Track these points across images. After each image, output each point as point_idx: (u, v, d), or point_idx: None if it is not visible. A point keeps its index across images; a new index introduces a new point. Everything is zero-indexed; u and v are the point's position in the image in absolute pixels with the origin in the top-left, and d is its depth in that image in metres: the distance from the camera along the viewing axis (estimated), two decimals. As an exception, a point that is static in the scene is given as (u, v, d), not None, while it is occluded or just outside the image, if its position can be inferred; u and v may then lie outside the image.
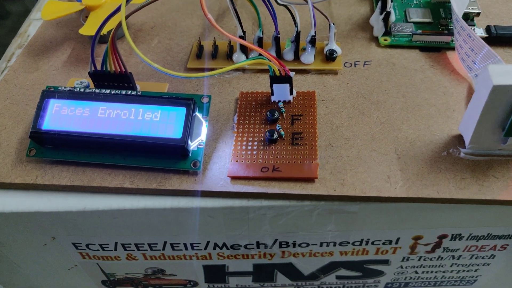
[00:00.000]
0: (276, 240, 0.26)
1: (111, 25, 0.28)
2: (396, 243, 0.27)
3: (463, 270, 0.30)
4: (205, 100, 0.25)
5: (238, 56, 0.29)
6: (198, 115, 0.24)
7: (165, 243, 0.26)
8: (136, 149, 0.24)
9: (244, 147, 0.25)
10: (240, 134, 0.25)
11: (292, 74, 0.25)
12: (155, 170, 0.24)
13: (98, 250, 0.27)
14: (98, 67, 0.26)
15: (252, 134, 0.25)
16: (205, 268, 0.29)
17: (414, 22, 0.31)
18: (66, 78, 0.29)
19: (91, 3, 0.30)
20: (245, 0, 0.28)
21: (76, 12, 0.32)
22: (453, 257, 0.29)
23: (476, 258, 0.29)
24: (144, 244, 0.27)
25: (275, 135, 0.24)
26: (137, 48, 0.23)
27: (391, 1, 0.30)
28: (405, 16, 0.32)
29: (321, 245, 0.27)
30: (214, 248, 0.27)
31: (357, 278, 0.31)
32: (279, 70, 0.25)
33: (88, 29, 0.29)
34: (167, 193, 0.23)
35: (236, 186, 0.23)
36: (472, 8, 0.31)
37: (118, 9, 0.25)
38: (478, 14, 0.31)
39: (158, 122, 0.24)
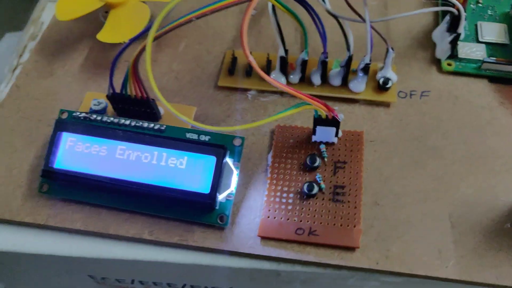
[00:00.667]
0: (304, 292, 0.24)
1: (130, 32, 0.25)
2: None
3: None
4: (237, 142, 0.22)
5: (276, 75, 0.25)
6: (229, 161, 0.21)
7: (184, 285, 0.25)
8: (157, 198, 0.21)
9: (278, 199, 0.22)
10: (274, 182, 0.22)
11: (341, 118, 0.22)
12: (177, 220, 0.22)
13: (114, 282, 0.26)
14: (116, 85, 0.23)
15: (288, 183, 0.22)
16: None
17: (486, 43, 0.27)
18: (83, 89, 0.26)
19: (113, 0, 0.26)
20: (288, 15, 0.24)
21: (94, 6, 0.28)
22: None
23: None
24: (162, 283, 0.25)
25: (315, 189, 0.21)
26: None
27: (462, 24, 0.25)
28: (475, 32, 0.27)
29: (352, 299, 0.25)
30: (237, 292, 0.25)
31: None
32: (326, 114, 0.21)
33: (107, 34, 0.26)
34: (190, 248, 0.21)
35: (267, 249, 0.21)
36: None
37: (144, 32, 0.21)
38: None
39: (184, 171, 0.21)
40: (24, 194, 0.23)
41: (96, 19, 0.29)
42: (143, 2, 0.27)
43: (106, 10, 0.27)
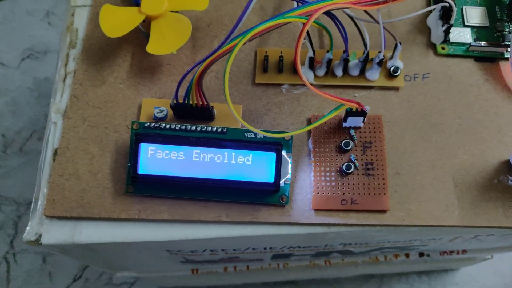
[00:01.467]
0: (341, 243, 0.31)
1: (176, 43, 0.28)
2: (439, 239, 0.32)
3: (485, 244, 0.37)
4: (287, 137, 0.27)
5: (305, 70, 0.30)
6: (284, 154, 0.27)
7: (247, 248, 0.31)
8: (230, 189, 0.27)
9: (323, 178, 0.28)
10: (318, 164, 0.28)
11: (367, 109, 0.27)
12: (246, 203, 0.27)
13: (187, 252, 0.31)
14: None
15: (329, 164, 0.28)
16: (274, 255, 0.34)
17: (471, 26, 0.32)
18: (136, 94, 0.30)
19: (152, 13, 0.29)
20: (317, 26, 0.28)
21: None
22: (482, 241, 0.34)
23: (506, 238, 0.35)
24: (229, 248, 0.31)
25: (352, 168, 0.27)
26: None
27: (453, 14, 0.30)
28: (462, 16, 0.32)
29: (377, 242, 0.32)
30: (289, 248, 0.32)
31: (392, 251, 0.37)
32: (356, 109, 0.27)
33: (155, 46, 0.29)
34: (259, 223, 0.27)
35: (320, 218, 0.27)
36: (528, 13, 0.32)
37: (207, 58, 0.25)
38: (533, 18, 0.32)
39: (251, 166, 0.26)
40: (112, 194, 0.27)
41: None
42: (177, 12, 0.30)
43: (144, 20, 0.30)
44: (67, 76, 0.31)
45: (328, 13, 0.27)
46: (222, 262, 0.37)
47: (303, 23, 0.24)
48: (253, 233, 0.27)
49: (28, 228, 0.27)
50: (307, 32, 0.28)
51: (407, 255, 0.41)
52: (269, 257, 0.35)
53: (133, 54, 0.31)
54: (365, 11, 0.28)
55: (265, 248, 0.31)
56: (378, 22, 0.28)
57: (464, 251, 0.42)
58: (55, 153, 0.28)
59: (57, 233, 0.27)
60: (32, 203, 0.27)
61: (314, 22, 0.27)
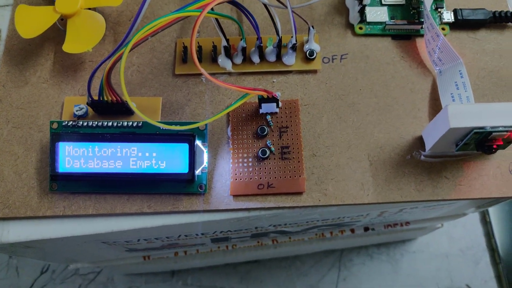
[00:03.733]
0: (271, 224, 0.32)
1: (91, 41, 0.29)
2: (367, 215, 0.33)
3: (417, 215, 0.38)
4: (202, 127, 0.28)
5: (222, 59, 0.31)
6: (199, 143, 0.28)
7: (179, 235, 0.32)
8: (149, 181, 0.27)
9: (240, 164, 0.28)
10: (236, 151, 0.29)
11: (278, 95, 0.28)
12: (167, 194, 0.28)
13: (123, 243, 0.32)
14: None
15: (246, 150, 0.29)
16: (212, 239, 0.35)
17: (388, 5, 0.32)
18: (59, 93, 0.30)
19: (66, 11, 0.29)
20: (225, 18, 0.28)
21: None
22: (411, 212, 0.36)
23: (429, 210, 0.36)
24: (162, 236, 0.32)
25: (267, 153, 0.28)
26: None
27: (367, -4, 0.30)
28: (379, -5, 0.33)
29: (307, 222, 0.33)
30: (220, 232, 0.33)
31: (332, 228, 0.38)
32: (267, 96, 0.27)
33: (70, 45, 0.29)
34: (180, 212, 0.28)
35: (239, 203, 0.28)
36: (443, -11, 0.32)
37: (112, 54, 0.25)
38: (448, -6, 0.32)
39: (165, 158, 0.27)
40: (38, 193, 0.28)
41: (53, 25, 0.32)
42: (93, 9, 0.30)
43: (61, 17, 0.30)
44: (-9, 78, 0.32)
45: (234, 3, 0.28)
46: (167, 248, 0.38)
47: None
48: (175, 222, 0.28)
49: (-45, 231, 0.28)
50: (217, 22, 0.28)
51: (352, 231, 0.43)
52: (209, 241, 0.36)
53: (55, 53, 0.32)
54: (275, -2, 0.29)
55: (197, 234, 0.32)
56: (286, 7, 0.28)
57: (407, 223, 0.43)
58: (-20, 156, 0.29)
59: (-16, 234, 0.28)
60: (-41, 207, 0.28)
61: (218, 14, 0.27)
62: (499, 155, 0.29)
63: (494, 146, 0.26)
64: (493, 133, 0.25)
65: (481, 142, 0.26)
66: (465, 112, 0.25)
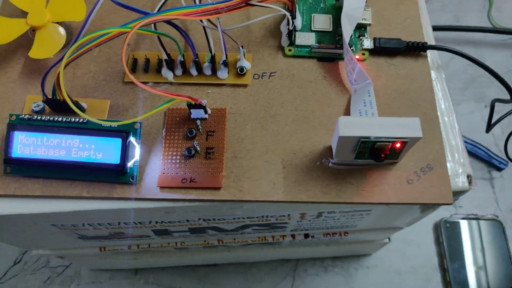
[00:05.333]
0: (200, 218, 0.36)
1: (53, 49, 0.34)
2: (289, 216, 0.37)
3: (344, 223, 0.41)
4: (136, 126, 0.32)
5: (165, 71, 0.35)
6: (132, 139, 0.32)
7: (119, 222, 0.36)
8: (88, 169, 0.32)
9: (169, 161, 0.33)
10: (167, 149, 0.33)
11: (204, 102, 0.32)
12: (104, 182, 0.32)
13: (70, 227, 0.37)
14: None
15: (176, 149, 0.33)
16: (153, 231, 0.39)
17: (316, 31, 0.37)
18: (24, 92, 0.35)
19: (35, 24, 0.35)
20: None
21: (23, 24, 0.36)
22: (334, 218, 0.39)
23: (351, 218, 0.40)
24: (104, 223, 0.36)
25: (193, 152, 0.33)
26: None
27: (293, 23, 0.35)
28: (310, 22, 0.37)
29: (234, 218, 0.37)
30: (156, 223, 0.37)
31: (268, 230, 0.42)
32: (194, 102, 0.32)
33: (36, 52, 0.34)
34: (114, 199, 0.32)
35: (164, 194, 0.32)
36: (364, 20, 0.37)
37: (59, 61, 0.30)
38: (369, 24, 0.37)
39: (103, 150, 0.31)
40: (-6, 175, 0.33)
41: (26, 35, 0.37)
42: (59, 23, 0.35)
43: (33, 29, 0.36)
44: (-30, 77, 0.37)
45: (171, 24, 0.33)
46: (117, 238, 0.42)
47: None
48: (109, 207, 0.32)
49: None
50: (159, 39, 0.33)
51: (293, 236, 0.46)
52: (151, 233, 0.40)
53: (26, 58, 0.37)
54: (208, 20, 0.34)
55: (135, 223, 0.36)
56: (217, 29, 0.33)
57: (346, 233, 0.46)
58: (-49, 141, 0.34)
59: None
60: None
61: (154, 31, 0.32)
62: (400, 166, 0.33)
63: (382, 155, 0.30)
64: (378, 143, 0.29)
65: (372, 151, 0.30)
66: (352, 123, 0.29)
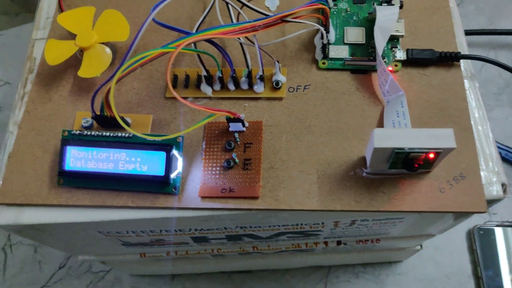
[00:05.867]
0: (237, 225, 0.38)
1: (100, 68, 0.36)
2: (322, 224, 0.38)
3: (377, 230, 0.42)
4: (179, 139, 0.34)
5: (204, 86, 0.37)
6: (175, 152, 0.34)
7: (161, 230, 0.38)
8: (133, 181, 0.34)
9: (209, 171, 0.34)
10: (207, 160, 0.35)
11: (242, 116, 0.34)
12: (148, 192, 0.34)
13: (115, 234, 0.39)
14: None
15: (215, 160, 0.35)
16: (192, 238, 0.41)
17: (349, 44, 0.38)
18: (74, 108, 0.38)
19: (83, 45, 0.37)
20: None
21: (72, 45, 0.39)
22: (366, 226, 0.40)
23: (383, 225, 0.40)
24: (146, 230, 0.38)
25: (232, 163, 0.34)
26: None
27: (327, 37, 0.36)
28: (343, 35, 0.38)
29: (269, 226, 0.38)
30: (195, 230, 0.39)
31: (302, 237, 0.43)
32: (233, 117, 0.33)
33: (84, 71, 0.37)
34: (158, 208, 0.34)
35: (205, 203, 0.34)
36: (397, 31, 0.37)
37: (107, 81, 0.33)
38: (402, 36, 0.38)
39: (147, 163, 0.33)
40: (48, 186, 0.35)
41: (74, 55, 0.40)
42: (105, 44, 0.38)
43: (81, 50, 0.38)
44: (24, 95, 0.40)
45: (210, 42, 0.34)
46: (157, 245, 0.44)
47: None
48: (152, 216, 0.34)
49: (-16, 212, 0.35)
50: (198, 56, 0.35)
51: (326, 243, 0.47)
52: (191, 240, 0.42)
53: (74, 77, 0.40)
54: (246, 37, 0.35)
55: (175, 230, 0.38)
56: (254, 45, 0.35)
57: (377, 240, 0.47)
58: (9, 156, 0.37)
59: (5, 216, 0.35)
60: (-11, 194, 0.36)
61: (196, 50, 0.34)
62: (432, 175, 0.33)
63: (416, 165, 0.31)
64: (411, 154, 0.30)
65: (405, 162, 0.31)
66: (387, 135, 0.29)
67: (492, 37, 0.75)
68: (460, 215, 0.37)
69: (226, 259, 0.52)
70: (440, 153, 0.30)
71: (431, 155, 0.30)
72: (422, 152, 0.30)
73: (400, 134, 0.30)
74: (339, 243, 0.47)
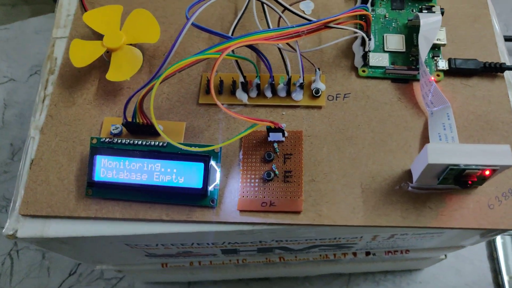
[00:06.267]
0: (273, 239, 0.36)
1: (130, 71, 0.34)
2: (361, 237, 0.37)
3: (413, 243, 0.41)
4: (217, 150, 0.32)
5: (239, 93, 0.35)
6: (213, 163, 0.32)
7: (192, 243, 0.36)
8: (168, 193, 0.32)
9: (248, 184, 0.33)
10: (245, 172, 0.33)
11: (283, 126, 0.32)
12: (183, 205, 0.33)
13: (143, 246, 0.37)
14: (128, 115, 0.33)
15: (254, 172, 0.33)
16: (222, 250, 0.39)
17: (389, 51, 0.37)
18: (100, 113, 0.36)
19: (112, 46, 0.35)
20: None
21: (97, 46, 0.37)
22: (404, 239, 0.39)
23: (421, 239, 0.39)
24: (177, 243, 0.36)
25: (272, 175, 0.33)
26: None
27: (369, 44, 0.35)
28: (383, 42, 0.37)
29: (306, 240, 0.37)
30: (228, 243, 0.37)
31: (334, 249, 0.42)
32: (274, 126, 0.32)
33: (113, 74, 0.35)
34: (194, 222, 0.32)
35: (244, 218, 0.32)
36: (439, 40, 0.36)
37: (145, 85, 0.31)
38: (444, 45, 0.36)
39: (184, 174, 0.31)
40: (75, 197, 0.33)
41: (100, 56, 0.37)
42: (133, 45, 0.36)
43: (108, 51, 0.36)
44: (45, 98, 0.37)
45: (251, 47, 0.33)
46: (183, 256, 0.42)
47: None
48: (188, 230, 0.32)
49: (7, 224, 0.33)
50: (237, 62, 0.33)
51: (354, 254, 0.46)
52: (219, 252, 0.41)
53: (99, 80, 0.37)
54: (288, 44, 0.34)
55: (208, 244, 0.37)
56: (295, 51, 0.33)
57: (407, 251, 0.46)
58: (32, 163, 0.35)
59: (30, 229, 0.33)
60: (11, 204, 0.34)
61: (236, 56, 0.32)
62: (480, 191, 0.32)
63: (469, 182, 0.29)
64: (467, 170, 0.28)
65: (458, 178, 0.29)
66: (442, 151, 0.28)
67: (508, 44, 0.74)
68: (502, 230, 0.36)
69: (247, 267, 0.51)
70: (496, 170, 0.29)
71: (487, 172, 0.29)
72: (478, 169, 0.28)
73: (455, 149, 0.28)
74: (367, 253, 0.45)
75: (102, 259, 0.44)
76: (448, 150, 0.28)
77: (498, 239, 0.59)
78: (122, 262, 0.46)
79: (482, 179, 0.30)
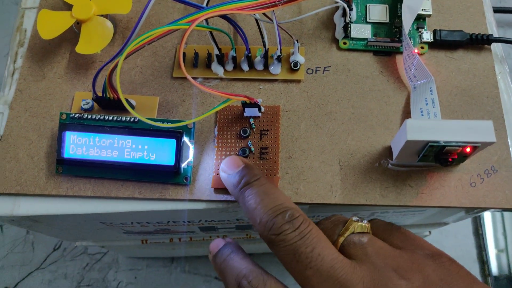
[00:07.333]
0: (250, 217, 0.35)
1: (100, 44, 0.33)
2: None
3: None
4: (190, 125, 0.31)
5: (215, 66, 0.34)
6: (186, 139, 0.31)
7: (168, 221, 0.36)
8: (140, 170, 0.31)
9: (223, 161, 0.32)
10: (220, 148, 0.32)
11: (259, 101, 0.31)
12: (156, 183, 0.32)
13: (119, 224, 0.36)
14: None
15: (229, 148, 0.32)
16: (200, 228, 0.39)
17: (372, 23, 0.35)
18: (71, 88, 0.35)
19: (81, 17, 0.33)
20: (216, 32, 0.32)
21: (67, 17, 0.35)
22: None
23: (402, 216, 0.38)
24: (153, 221, 0.36)
25: (247, 152, 0.31)
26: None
27: (350, 15, 0.33)
28: (365, 13, 0.35)
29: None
30: (205, 221, 0.36)
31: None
32: (249, 101, 0.30)
33: (83, 47, 0.33)
34: (167, 200, 0.32)
35: (218, 195, 0.31)
36: (424, 10, 0.34)
37: (113, 59, 0.29)
38: (429, 15, 0.35)
39: (156, 151, 0.30)
40: (46, 174, 0.32)
41: (70, 28, 0.36)
42: (104, 16, 0.34)
43: (78, 22, 0.34)
44: (15, 71, 0.36)
45: (225, 18, 0.31)
46: (161, 233, 0.42)
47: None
48: (162, 208, 0.32)
49: (-25, 202, 0.32)
50: (211, 33, 0.32)
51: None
52: (197, 229, 0.40)
53: (71, 52, 0.36)
54: (263, 13, 0.32)
55: (184, 222, 0.36)
56: (272, 22, 0.32)
57: (390, 227, 0.45)
58: (0, 139, 0.33)
59: (-1, 207, 0.32)
60: (-20, 182, 0.32)
61: (209, 27, 0.31)
62: (462, 168, 0.31)
63: (450, 159, 0.28)
64: (447, 147, 0.27)
65: (438, 155, 0.28)
66: (421, 127, 0.27)
67: (500, 15, 0.72)
68: (484, 208, 0.35)
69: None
70: (477, 147, 0.28)
71: (468, 149, 0.28)
72: (459, 146, 0.27)
73: (435, 126, 0.27)
74: (349, 230, 0.45)
75: (81, 236, 0.44)
76: (428, 126, 0.27)
77: (486, 214, 0.59)
78: (102, 239, 0.46)
79: (463, 157, 0.29)
